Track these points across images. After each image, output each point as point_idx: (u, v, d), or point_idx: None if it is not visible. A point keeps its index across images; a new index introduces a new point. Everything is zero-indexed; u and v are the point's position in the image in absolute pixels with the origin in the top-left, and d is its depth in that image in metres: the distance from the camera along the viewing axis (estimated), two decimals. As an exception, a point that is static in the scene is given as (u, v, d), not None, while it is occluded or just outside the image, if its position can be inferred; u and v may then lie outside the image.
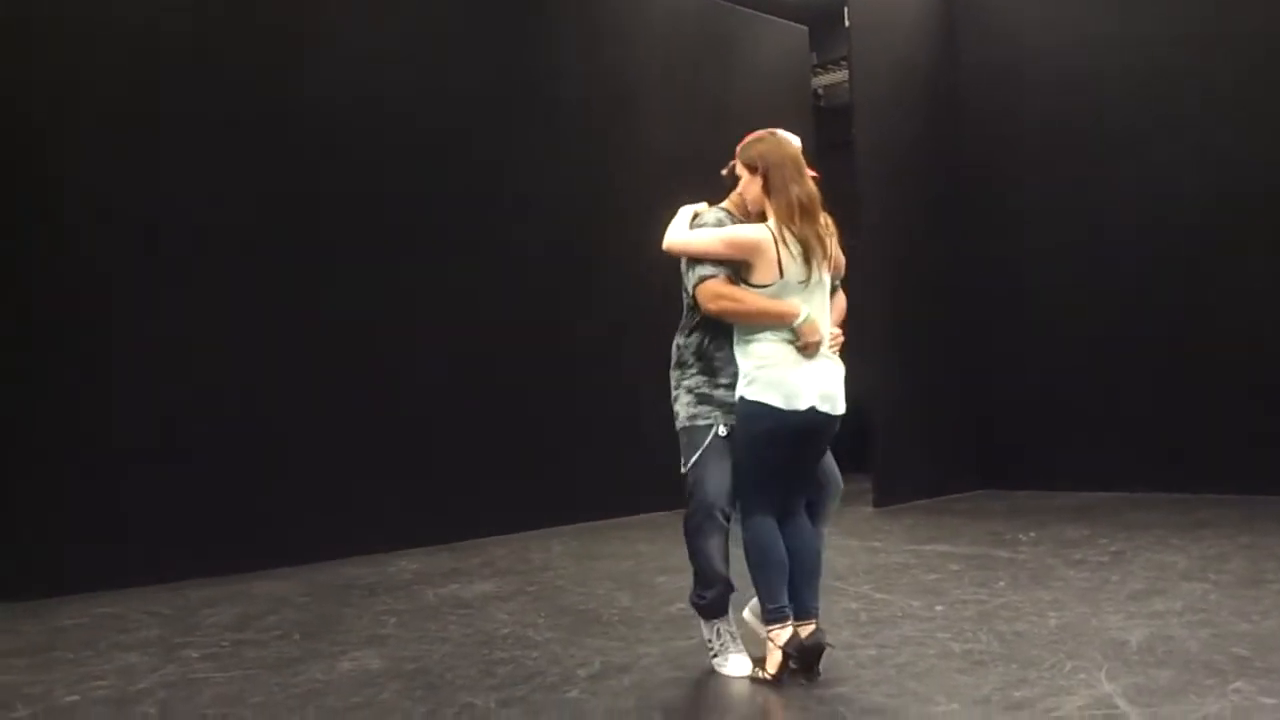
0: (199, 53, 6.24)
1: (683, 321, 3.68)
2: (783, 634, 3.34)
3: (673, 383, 3.68)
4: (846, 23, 8.26)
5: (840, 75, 10.41)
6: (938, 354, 8.53)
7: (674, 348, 3.70)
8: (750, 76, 9.42)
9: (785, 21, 10.00)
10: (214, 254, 6.23)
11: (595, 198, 8.09)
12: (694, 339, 3.61)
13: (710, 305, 3.44)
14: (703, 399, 3.56)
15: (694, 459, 3.53)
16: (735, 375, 3.49)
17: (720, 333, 3.55)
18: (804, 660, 3.35)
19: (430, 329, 7.10)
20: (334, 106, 6.77)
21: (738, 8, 9.57)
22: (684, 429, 3.61)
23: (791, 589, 3.42)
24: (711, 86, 8.99)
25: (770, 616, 3.38)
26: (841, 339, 3.62)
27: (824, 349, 3.41)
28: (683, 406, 3.61)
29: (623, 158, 8.32)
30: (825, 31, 10.30)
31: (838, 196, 8.56)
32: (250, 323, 6.32)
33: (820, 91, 11.11)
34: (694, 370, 3.60)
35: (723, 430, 3.50)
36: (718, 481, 3.50)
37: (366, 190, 6.88)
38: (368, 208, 6.88)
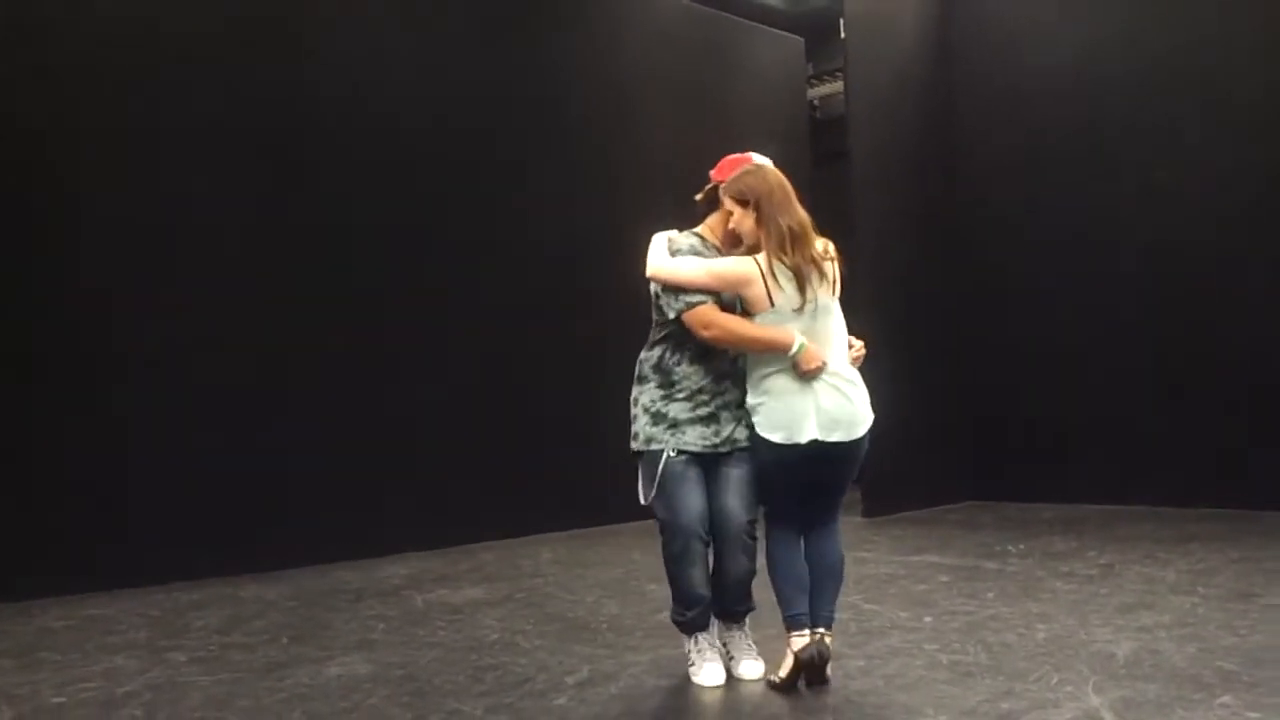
0: (201, 57, 6.27)
1: (649, 336, 3.66)
2: (799, 640, 3.36)
3: (631, 398, 3.66)
4: (842, 34, 8.29)
5: (836, 86, 10.45)
6: (929, 365, 8.53)
7: (638, 361, 3.68)
8: (747, 87, 9.45)
9: (781, 33, 10.04)
10: (212, 257, 6.24)
11: (594, 206, 8.11)
12: (655, 352, 3.60)
13: (704, 333, 3.42)
14: (657, 418, 3.52)
15: (654, 490, 3.50)
16: (691, 389, 3.50)
17: (683, 345, 3.52)
18: (808, 669, 3.36)
19: (424, 335, 7.11)
20: (337, 111, 6.81)
21: (734, 18, 9.60)
22: (640, 454, 3.57)
23: (810, 596, 3.43)
24: (708, 97, 9.02)
25: (788, 624, 3.40)
26: (863, 351, 3.58)
27: (836, 369, 3.38)
28: (640, 427, 3.58)
29: (621, 167, 8.34)
30: (821, 43, 10.34)
31: (832, 207, 8.58)
32: (245, 326, 6.32)
33: (816, 103, 11.15)
34: (651, 384, 3.58)
35: (672, 452, 3.47)
36: (690, 506, 3.47)
37: (367, 196, 6.90)
38: (366, 213, 6.90)
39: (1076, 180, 8.36)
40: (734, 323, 3.40)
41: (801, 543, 3.48)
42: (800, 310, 3.33)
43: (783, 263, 3.32)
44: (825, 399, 3.33)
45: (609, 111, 8.40)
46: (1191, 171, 7.75)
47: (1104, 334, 8.17)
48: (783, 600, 3.42)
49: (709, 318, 3.41)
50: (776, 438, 3.33)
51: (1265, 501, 7.14)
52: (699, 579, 3.51)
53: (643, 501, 3.59)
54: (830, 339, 3.40)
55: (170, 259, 6.08)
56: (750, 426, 3.45)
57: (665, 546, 3.56)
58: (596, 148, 8.24)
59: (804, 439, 3.31)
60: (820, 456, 3.34)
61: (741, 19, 9.67)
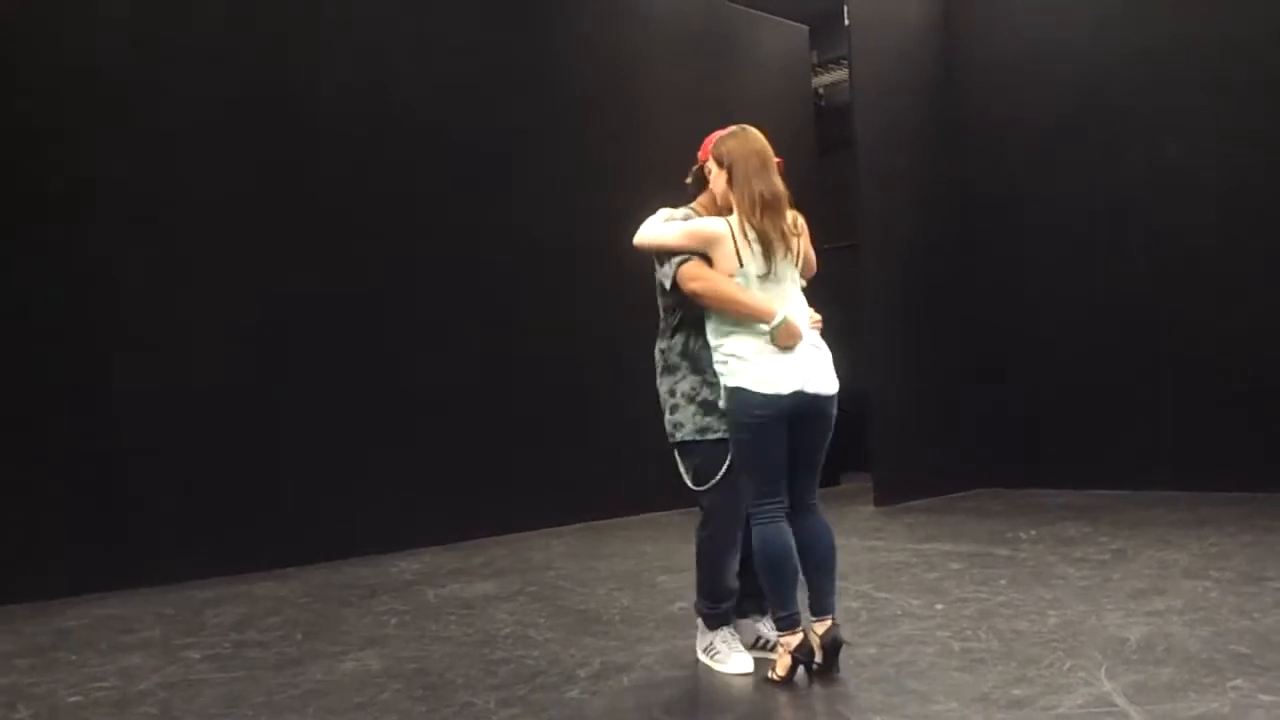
0: (203, 50, 6.27)
1: (661, 326, 3.67)
2: (794, 640, 3.34)
3: (664, 391, 3.63)
4: (846, 21, 8.26)
5: (841, 74, 10.41)
6: (939, 352, 8.52)
7: (657, 353, 3.67)
8: (751, 76, 9.43)
9: (786, 21, 10.00)
10: (217, 253, 6.25)
11: (597, 197, 8.08)
12: (678, 340, 3.60)
13: (692, 284, 3.42)
14: (707, 407, 3.51)
15: (718, 478, 3.48)
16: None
17: (703, 332, 3.52)
18: (824, 658, 3.35)
19: (432, 329, 7.11)
20: (333, 100, 6.79)
21: (738, 7, 9.57)
22: (694, 443, 3.53)
23: (808, 585, 3.42)
24: (712, 86, 8.99)
25: (783, 623, 3.36)
26: (820, 323, 3.57)
27: (805, 335, 3.40)
28: (688, 418, 3.53)
29: (624, 157, 8.31)
30: (826, 31, 10.30)
31: (839, 195, 8.54)
32: (251, 323, 6.34)
33: (821, 91, 11.11)
34: (684, 371, 3.57)
35: None
36: (742, 496, 3.48)
37: (369, 189, 6.90)
38: (370, 207, 6.90)
39: (1084, 162, 8.33)
40: (722, 281, 3.40)
41: (790, 537, 3.41)
42: (765, 277, 3.37)
43: (751, 226, 3.36)
44: (801, 356, 3.36)
45: (611, 101, 8.38)
46: (1201, 156, 7.70)
47: (1113, 318, 8.15)
48: (779, 598, 3.35)
49: (697, 271, 3.43)
50: (759, 387, 3.29)
51: (1278, 485, 7.12)
52: (730, 570, 3.53)
53: (699, 489, 3.54)
54: (790, 308, 3.41)
55: (173, 256, 6.09)
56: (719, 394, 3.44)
57: (712, 537, 3.54)
58: (598, 138, 8.23)
59: (787, 390, 3.30)
60: (800, 410, 3.33)
61: (745, 7, 9.64)
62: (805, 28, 10.17)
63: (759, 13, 9.74)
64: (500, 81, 7.62)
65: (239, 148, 6.37)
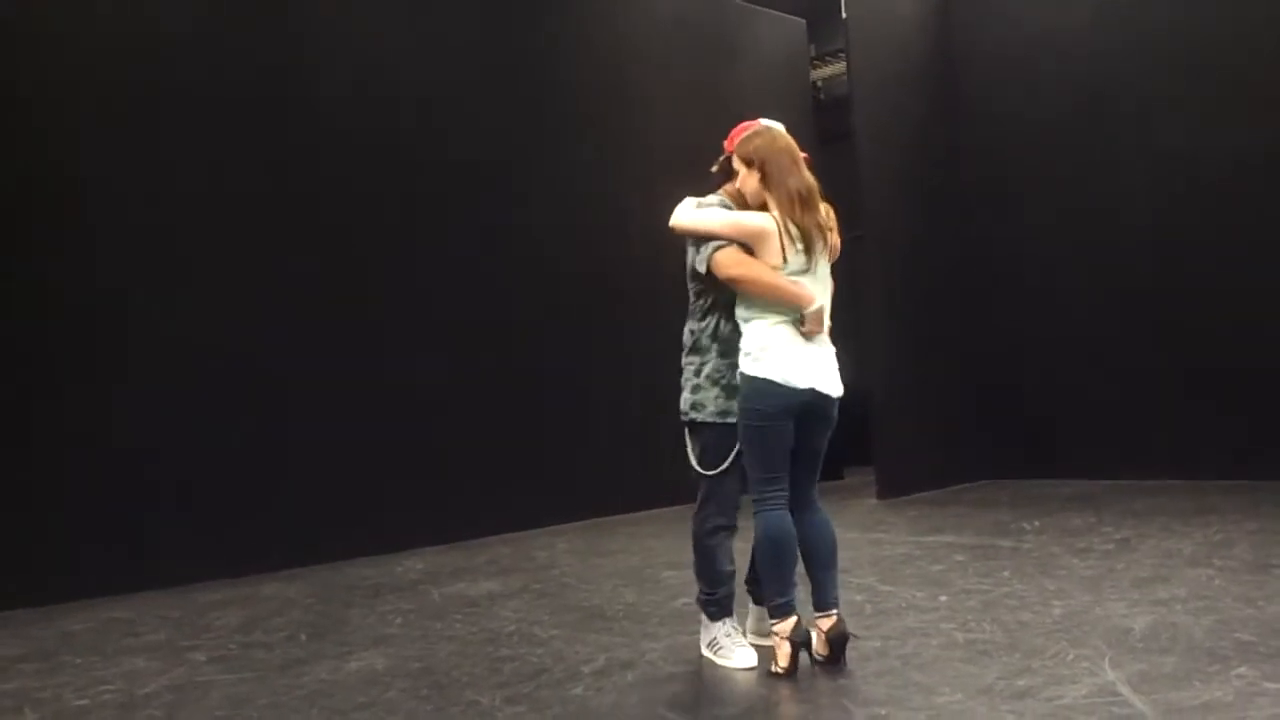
0: (203, 53, 6.28)
1: (691, 308, 3.68)
2: (788, 625, 3.35)
3: (688, 370, 3.65)
4: (843, 14, 8.25)
5: (839, 67, 10.40)
6: (940, 345, 8.51)
7: (687, 334, 3.69)
8: (749, 70, 9.42)
9: (783, 15, 10.00)
10: (218, 253, 6.25)
11: (596, 193, 8.09)
12: (709, 322, 3.61)
13: (730, 270, 3.42)
14: (730, 392, 3.53)
15: (726, 464, 3.53)
16: None
17: (734, 316, 3.54)
18: (831, 652, 3.38)
19: (435, 328, 7.12)
20: (337, 104, 6.81)
21: (737, 2, 9.56)
22: (711, 425, 3.56)
23: (811, 581, 3.45)
24: (711, 80, 8.99)
25: (778, 610, 3.38)
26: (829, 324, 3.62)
27: (826, 336, 3.48)
28: (709, 399, 3.56)
29: (622, 152, 8.31)
30: (823, 24, 10.30)
31: (838, 189, 8.55)
32: (255, 323, 6.34)
33: (819, 84, 11.09)
34: (713, 353, 3.59)
35: None
36: (741, 485, 3.53)
37: (370, 189, 6.90)
38: (371, 207, 6.90)
39: (1083, 153, 8.31)
40: (760, 267, 3.41)
41: (793, 526, 3.46)
42: (805, 273, 3.41)
43: (793, 223, 3.38)
44: (816, 354, 3.43)
45: (609, 97, 8.37)
46: (1200, 143, 7.68)
47: (1117, 307, 8.13)
48: (778, 585, 3.38)
49: (738, 257, 3.43)
50: (781, 379, 3.34)
51: (1282, 472, 7.11)
52: (726, 553, 3.58)
53: (708, 471, 3.57)
54: (823, 302, 3.47)
55: (173, 256, 6.09)
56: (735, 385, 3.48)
57: (708, 519, 3.58)
58: (597, 135, 8.22)
59: (803, 385, 3.36)
60: (812, 408, 3.40)
61: (743, 1, 9.63)
62: (803, 21, 10.17)
63: (757, 7, 9.74)
64: (495, 81, 7.61)
65: (239, 148, 6.37)
